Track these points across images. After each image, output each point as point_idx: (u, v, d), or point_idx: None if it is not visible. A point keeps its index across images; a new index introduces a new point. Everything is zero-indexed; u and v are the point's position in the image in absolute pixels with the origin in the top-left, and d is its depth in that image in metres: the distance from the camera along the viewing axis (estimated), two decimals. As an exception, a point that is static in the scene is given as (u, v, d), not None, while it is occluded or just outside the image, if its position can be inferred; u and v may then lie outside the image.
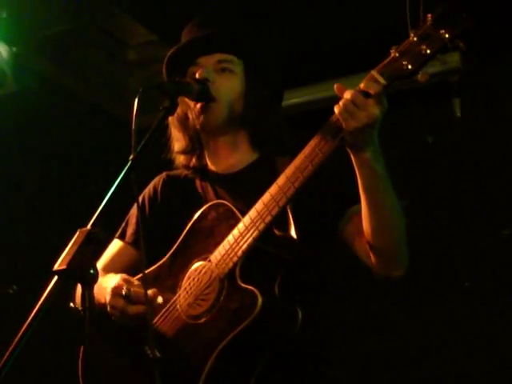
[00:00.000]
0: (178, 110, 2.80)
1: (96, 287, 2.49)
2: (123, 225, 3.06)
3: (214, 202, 2.79)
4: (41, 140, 5.33)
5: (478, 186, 4.89)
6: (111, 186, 2.33)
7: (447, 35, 2.26)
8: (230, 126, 2.88)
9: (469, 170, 4.92)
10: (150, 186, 3.07)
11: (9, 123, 5.11)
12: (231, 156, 2.93)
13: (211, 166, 2.98)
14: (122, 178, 2.35)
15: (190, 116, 2.90)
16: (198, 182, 2.98)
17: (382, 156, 2.49)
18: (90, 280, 2.11)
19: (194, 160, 3.00)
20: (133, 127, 2.39)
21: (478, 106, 4.98)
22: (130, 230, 3.02)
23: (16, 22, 4.80)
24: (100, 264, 2.98)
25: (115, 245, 3.05)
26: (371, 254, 2.65)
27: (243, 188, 2.80)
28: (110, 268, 2.97)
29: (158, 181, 3.08)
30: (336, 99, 2.45)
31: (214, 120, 2.83)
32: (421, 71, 2.32)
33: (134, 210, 3.04)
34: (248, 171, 2.91)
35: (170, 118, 2.90)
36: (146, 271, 2.78)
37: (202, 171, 2.99)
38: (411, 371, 4.84)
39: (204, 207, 2.79)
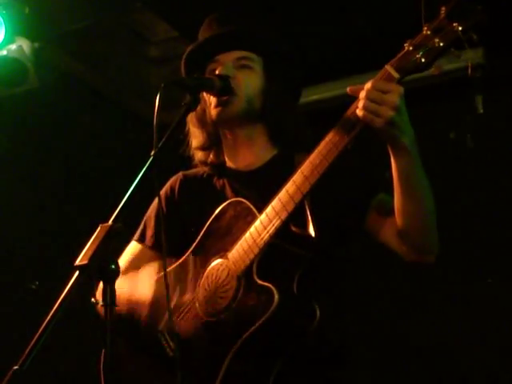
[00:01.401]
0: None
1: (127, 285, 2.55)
2: (141, 227, 3.06)
3: (232, 199, 2.78)
4: (62, 136, 5.35)
5: (501, 182, 4.86)
6: (133, 182, 2.34)
7: (460, 27, 2.24)
8: (248, 120, 2.88)
9: (492, 165, 4.89)
10: (167, 186, 3.07)
11: (31, 119, 5.14)
12: (250, 152, 2.93)
13: (229, 163, 2.98)
14: (143, 173, 2.35)
15: (208, 111, 2.91)
16: (215, 180, 2.98)
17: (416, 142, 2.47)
18: (111, 275, 2.12)
19: (212, 156, 3.00)
20: (155, 123, 2.40)
21: (501, 102, 4.95)
22: (149, 233, 3.02)
23: (38, 18, 4.81)
24: (120, 268, 2.98)
25: (134, 248, 3.04)
26: (404, 241, 2.63)
27: (262, 185, 2.78)
28: (129, 272, 2.94)
29: (174, 181, 3.08)
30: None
31: (232, 112, 2.83)
32: (434, 64, 2.32)
33: (151, 212, 3.04)
34: (267, 168, 2.90)
35: (189, 116, 2.88)
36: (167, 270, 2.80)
37: (219, 168, 2.99)
38: (433, 368, 4.83)
39: (222, 205, 2.79)
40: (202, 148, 2.99)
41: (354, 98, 2.44)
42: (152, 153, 2.38)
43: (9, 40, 4.81)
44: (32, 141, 5.22)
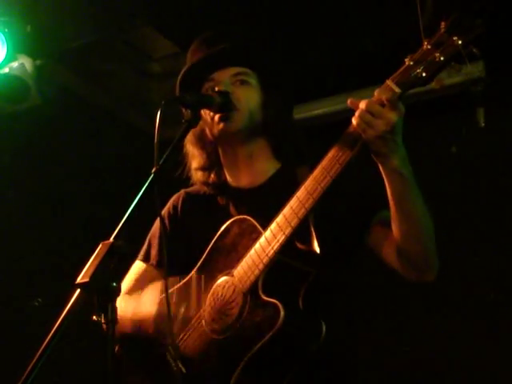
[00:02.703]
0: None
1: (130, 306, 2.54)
2: (145, 246, 3.07)
3: (237, 217, 2.79)
4: (64, 152, 5.35)
5: (503, 196, 4.85)
6: (134, 199, 2.34)
7: (460, 41, 2.26)
8: (250, 135, 2.89)
9: (493, 179, 4.89)
10: (169, 205, 3.08)
11: (32, 136, 5.14)
12: (251, 169, 2.94)
13: (231, 181, 2.98)
14: (144, 190, 2.35)
15: (208, 130, 2.91)
16: (218, 199, 2.99)
17: (409, 163, 2.48)
18: (112, 293, 2.11)
19: (212, 176, 3.00)
20: (155, 140, 2.40)
21: (502, 116, 4.95)
22: (153, 252, 3.03)
23: (39, 36, 4.82)
24: (125, 287, 3.00)
25: (139, 267, 3.05)
26: (402, 260, 2.65)
27: (266, 202, 2.78)
28: (135, 291, 2.98)
29: (177, 199, 3.09)
30: (352, 111, 2.46)
31: (235, 128, 2.84)
32: (435, 78, 2.34)
33: (155, 231, 3.05)
34: (269, 184, 2.91)
35: (187, 136, 2.90)
36: (172, 289, 2.83)
37: (221, 187, 2.99)
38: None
39: (227, 223, 2.79)
40: (203, 168, 3.00)
41: (354, 113, 2.45)
42: (153, 170, 2.38)
43: (10, 58, 4.83)
44: (34, 157, 5.22)
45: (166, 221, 3.03)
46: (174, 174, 2.98)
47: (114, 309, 2.10)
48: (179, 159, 2.99)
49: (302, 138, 2.97)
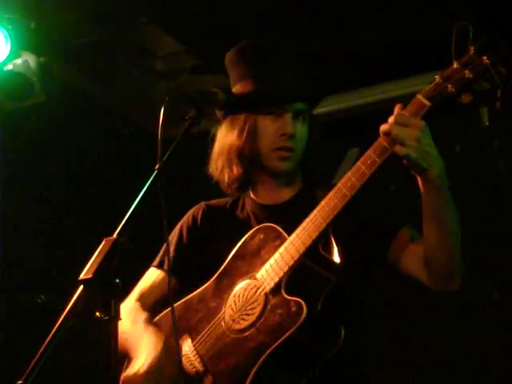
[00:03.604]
0: (236, 141, 2.87)
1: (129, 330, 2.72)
2: (160, 253, 3.08)
3: (262, 225, 2.81)
4: (68, 150, 5.35)
5: (507, 195, 4.84)
6: (137, 196, 2.34)
7: (489, 61, 2.34)
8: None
9: (497, 178, 4.88)
10: (189, 215, 3.09)
11: (36, 133, 5.14)
12: (277, 189, 2.97)
13: (255, 197, 3.01)
14: (147, 187, 2.35)
15: (256, 148, 2.90)
16: (238, 212, 3.02)
17: (446, 178, 2.51)
18: (115, 289, 2.11)
19: (238, 189, 3.01)
20: (159, 136, 2.40)
21: (507, 115, 4.94)
22: (167, 259, 3.02)
23: (43, 33, 4.83)
24: (137, 293, 3.03)
25: (153, 274, 3.07)
26: (430, 270, 2.67)
27: (287, 218, 2.80)
28: (146, 297, 3.02)
29: (197, 210, 3.10)
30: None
31: (288, 168, 2.90)
32: (463, 95, 2.41)
33: (171, 239, 3.05)
34: (291, 203, 2.94)
35: (227, 148, 2.92)
36: (190, 295, 2.88)
37: (244, 200, 3.03)
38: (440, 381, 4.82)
39: (251, 231, 2.82)
40: (234, 186, 2.99)
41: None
42: (156, 167, 2.38)
43: (14, 55, 4.83)
44: (38, 154, 5.22)
45: (185, 231, 3.05)
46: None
47: (117, 305, 2.09)
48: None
49: (323, 162, 3.00)
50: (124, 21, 5.19)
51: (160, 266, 3.05)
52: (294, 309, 2.54)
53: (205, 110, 2.59)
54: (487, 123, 4.84)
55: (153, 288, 3.03)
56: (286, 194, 2.96)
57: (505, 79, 2.35)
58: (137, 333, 2.85)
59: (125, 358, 2.85)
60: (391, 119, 2.45)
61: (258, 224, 2.87)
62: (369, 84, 5.07)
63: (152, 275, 3.06)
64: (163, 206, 2.34)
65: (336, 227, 2.65)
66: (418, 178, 2.52)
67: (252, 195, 3.01)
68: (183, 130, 2.51)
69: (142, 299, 3.01)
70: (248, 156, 2.90)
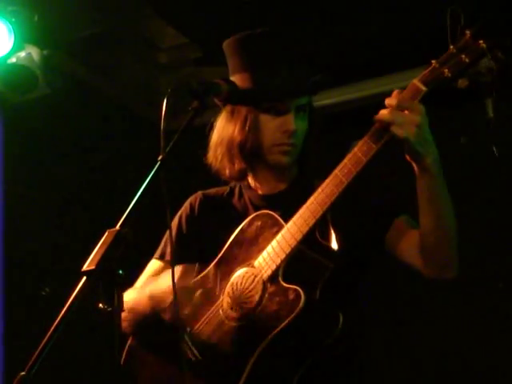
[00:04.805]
0: (237, 135, 2.86)
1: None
2: (161, 245, 3.09)
3: (259, 212, 2.82)
4: (72, 142, 5.36)
5: (512, 187, 4.85)
6: (140, 187, 2.34)
7: (485, 44, 2.35)
8: None
9: (502, 170, 4.87)
10: (186, 205, 3.10)
11: (40, 126, 5.14)
12: (274, 179, 2.97)
13: (253, 186, 3.01)
14: (150, 178, 2.36)
15: (257, 140, 2.89)
16: (236, 200, 3.02)
17: (441, 164, 2.53)
18: (119, 280, 2.11)
19: (238, 179, 3.02)
20: (162, 127, 2.40)
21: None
22: (168, 250, 3.05)
23: (47, 25, 4.82)
24: (139, 284, 3.05)
25: (154, 265, 3.09)
26: (425, 257, 2.67)
27: (283, 207, 2.80)
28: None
29: (194, 199, 3.11)
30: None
31: (290, 162, 2.90)
32: (460, 79, 2.44)
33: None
34: (288, 192, 2.95)
35: (226, 140, 2.91)
36: (189, 283, 2.87)
37: (241, 189, 3.04)
38: (444, 375, 4.81)
39: (248, 218, 2.83)
40: (235, 178, 3.00)
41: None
42: (159, 158, 2.38)
43: (18, 47, 4.82)
44: (42, 147, 5.23)
45: (183, 220, 3.06)
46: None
47: (121, 296, 2.10)
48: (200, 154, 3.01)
49: (324, 152, 2.97)
50: (127, 13, 5.19)
51: (161, 257, 3.06)
52: (291, 297, 2.54)
53: (208, 101, 2.59)
54: (492, 115, 4.84)
55: (155, 279, 3.02)
56: (283, 183, 2.96)
57: (502, 63, 2.35)
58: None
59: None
60: (390, 102, 2.46)
61: (256, 212, 2.87)
62: (371, 76, 5.06)
63: (154, 266, 3.08)
64: (165, 197, 2.35)
65: (334, 213, 2.65)
66: (414, 164, 2.52)
67: (250, 184, 3.01)
68: (186, 122, 2.51)
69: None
70: (249, 150, 2.90)
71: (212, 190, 3.12)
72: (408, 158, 2.52)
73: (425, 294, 4.58)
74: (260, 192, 2.99)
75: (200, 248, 2.97)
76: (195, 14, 5.03)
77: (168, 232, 3.04)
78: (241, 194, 3.03)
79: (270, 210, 2.82)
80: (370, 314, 2.95)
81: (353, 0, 4.71)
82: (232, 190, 3.07)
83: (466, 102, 4.97)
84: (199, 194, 3.12)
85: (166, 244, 3.07)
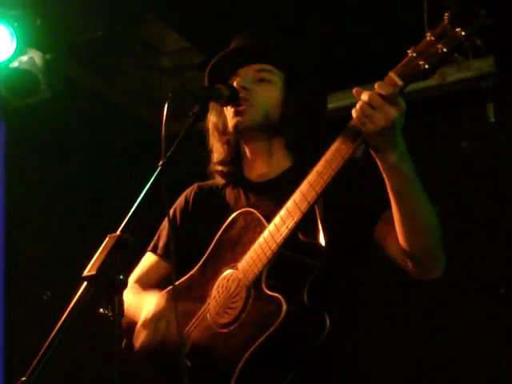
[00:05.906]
0: (215, 120, 2.91)
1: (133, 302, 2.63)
2: (155, 238, 3.08)
3: (242, 210, 2.79)
4: (74, 146, 5.36)
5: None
6: (141, 192, 2.34)
7: (463, 33, 2.22)
8: (265, 132, 2.89)
9: (504, 174, 4.87)
10: (182, 198, 3.09)
11: (42, 129, 5.15)
12: (265, 164, 2.94)
13: (246, 174, 2.99)
14: (151, 183, 2.36)
15: (227, 123, 2.92)
16: (229, 191, 2.99)
17: (410, 158, 2.46)
18: (119, 286, 2.11)
19: (231, 168, 3.00)
20: (163, 132, 2.40)
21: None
22: (161, 243, 3.04)
23: (49, 30, 4.83)
24: (134, 277, 3.04)
25: (148, 258, 3.08)
26: (406, 258, 2.63)
27: (275, 196, 2.77)
28: (143, 281, 3.02)
29: (189, 192, 3.09)
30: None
31: (248, 122, 2.84)
32: (438, 71, 2.30)
33: (165, 223, 3.05)
34: (280, 180, 2.90)
35: (211, 130, 2.95)
36: (177, 283, 2.80)
37: (236, 179, 3.00)
38: (443, 379, 4.81)
39: (232, 216, 2.80)
40: (223, 163, 2.99)
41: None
42: (160, 162, 2.38)
43: (20, 52, 4.83)
44: (44, 151, 5.23)
45: (178, 214, 3.05)
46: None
47: (121, 302, 2.09)
48: (204, 155, 3.02)
49: (322, 139, 2.90)
50: (130, 17, 5.19)
51: (154, 250, 3.05)
52: (272, 307, 2.50)
53: (209, 106, 2.60)
54: (493, 119, 4.84)
55: (148, 273, 3.04)
56: (274, 170, 2.92)
57: (479, 52, 2.25)
58: (139, 301, 2.87)
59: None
60: (364, 96, 2.38)
61: (247, 203, 2.86)
62: (371, 81, 5.05)
63: (147, 260, 3.07)
64: (166, 202, 2.35)
65: (324, 207, 2.61)
66: (378, 161, 2.47)
67: (244, 171, 2.99)
68: (187, 126, 2.51)
69: (139, 282, 3.01)
70: (225, 130, 2.93)
71: (208, 182, 3.09)
72: (372, 153, 2.46)
73: (424, 297, 4.59)
74: (252, 179, 2.96)
75: (192, 243, 2.92)
76: (197, 19, 5.03)
77: (162, 225, 3.07)
78: (235, 183, 3.00)
79: (260, 200, 2.82)
80: (367, 319, 2.94)
81: (353, 0, 4.71)
82: (229, 180, 3.03)
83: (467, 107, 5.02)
84: (195, 186, 3.11)
85: (158, 237, 3.06)
